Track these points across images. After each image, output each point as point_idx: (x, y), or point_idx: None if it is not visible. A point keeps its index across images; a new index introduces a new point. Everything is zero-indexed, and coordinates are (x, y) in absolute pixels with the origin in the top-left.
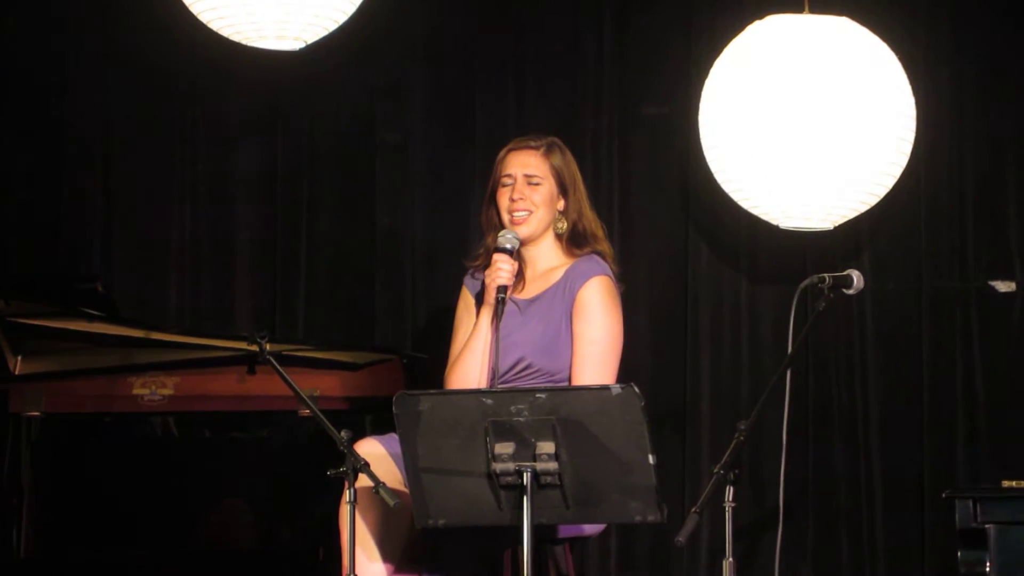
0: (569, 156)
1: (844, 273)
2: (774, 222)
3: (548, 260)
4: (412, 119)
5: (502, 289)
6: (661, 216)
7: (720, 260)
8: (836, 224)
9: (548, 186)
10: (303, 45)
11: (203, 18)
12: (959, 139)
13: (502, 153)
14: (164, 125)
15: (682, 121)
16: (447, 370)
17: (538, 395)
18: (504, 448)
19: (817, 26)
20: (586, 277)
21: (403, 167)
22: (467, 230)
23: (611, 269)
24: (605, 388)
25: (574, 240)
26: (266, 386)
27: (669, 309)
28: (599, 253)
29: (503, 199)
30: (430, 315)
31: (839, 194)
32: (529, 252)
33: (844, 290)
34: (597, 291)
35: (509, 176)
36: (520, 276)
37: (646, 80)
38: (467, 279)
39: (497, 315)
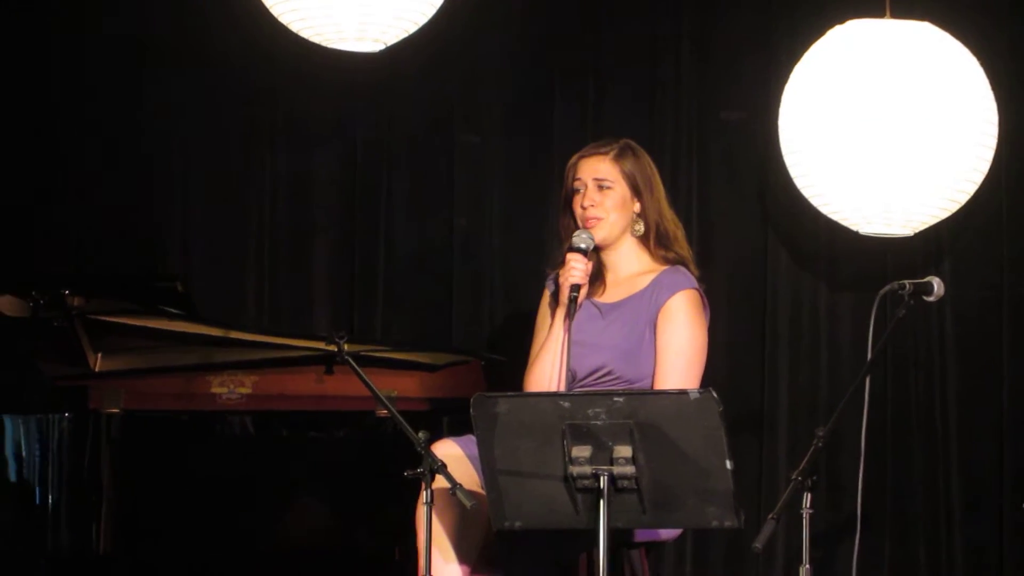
0: (644, 158)
1: (925, 280)
2: (854, 227)
3: (631, 265)
4: (490, 121)
5: (575, 288)
6: (740, 221)
7: (799, 265)
8: (916, 231)
9: (620, 190)
10: (383, 47)
11: (283, 20)
12: None
13: (573, 159)
14: (243, 126)
15: (762, 126)
16: (526, 372)
17: (616, 399)
18: (581, 451)
19: (898, 31)
20: (674, 289)
21: (481, 169)
22: (543, 233)
23: (695, 278)
24: (683, 392)
25: (658, 242)
26: (344, 386)
27: (748, 314)
28: (683, 261)
29: (576, 206)
30: (507, 318)
31: (920, 200)
32: (609, 257)
33: (924, 297)
34: (684, 303)
35: (579, 181)
36: (602, 280)
37: (725, 85)
38: (548, 283)
39: (570, 314)
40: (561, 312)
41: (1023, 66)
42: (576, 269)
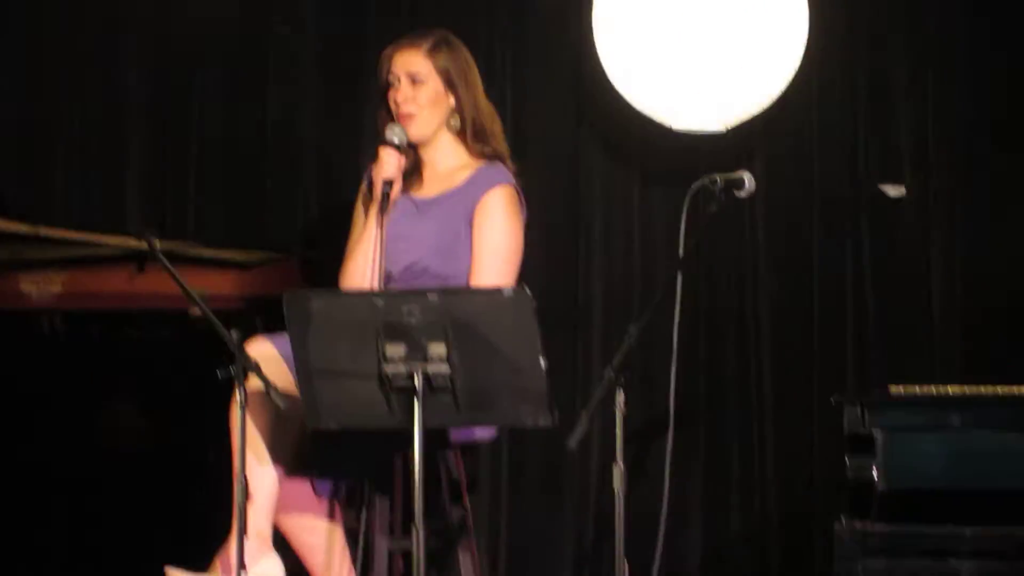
0: (460, 50)
1: (735, 175)
2: (666, 123)
3: (449, 160)
4: (305, 12)
5: (387, 183)
6: (554, 115)
7: (613, 160)
8: (729, 127)
9: (433, 84)
10: None
11: None
12: (851, 42)
13: (387, 50)
14: (47, 21)
15: (577, 20)
16: (340, 271)
17: (430, 296)
18: (395, 350)
19: None
20: (490, 185)
21: (295, 61)
22: (361, 128)
23: (512, 174)
24: (497, 290)
25: (475, 136)
26: (156, 284)
27: (562, 209)
28: (500, 156)
29: (391, 100)
30: (325, 211)
31: (731, 95)
32: (426, 152)
33: (736, 192)
34: (500, 199)
35: (393, 75)
36: (419, 175)
37: None
38: (364, 177)
39: (382, 209)
40: (374, 207)
41: None
42: (388, 164)
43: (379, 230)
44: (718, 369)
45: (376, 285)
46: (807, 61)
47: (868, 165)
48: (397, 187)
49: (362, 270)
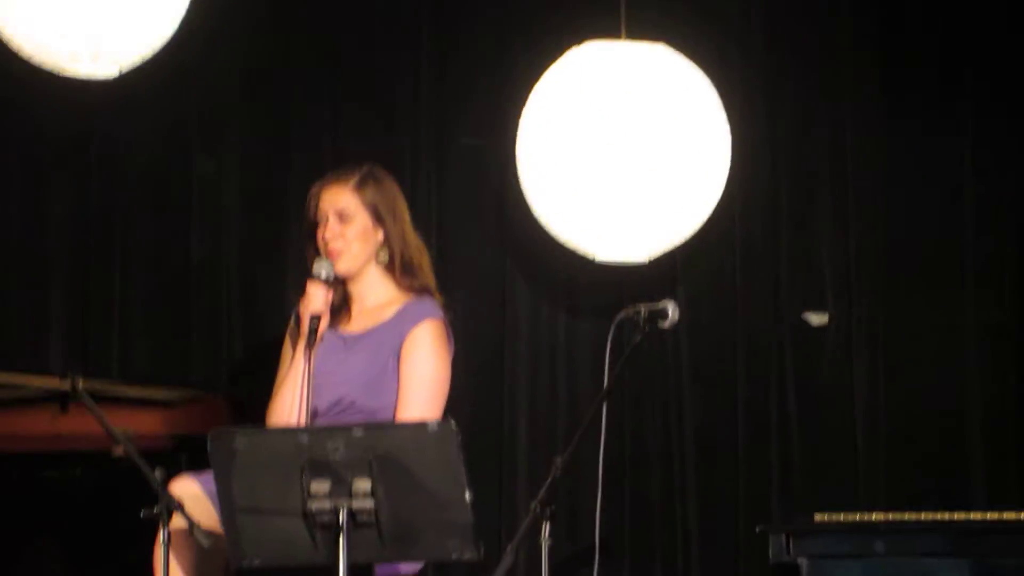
0: (388, 184)
1: (659, 305)
2: (589, 255)
3: (377, 295)
4: (228, 147)
5: (315, 318)
6: (479, 247)
7: (538, 292)
8: (652, 257)
9: (361, 220)
10: (118, 71)
11: (14, 43)
12: (773, 169)
13: (315, 188)
14: None
15: (500, 150)
16: (268, 407)
17: (355, 431)
18: (320, 487)
19: (634, 52)
20: (418, 319)
21: (218, 196)
22: (285, 262)
23: (441, 308)
24: (422, 424)
25: (403, 270)
26: (79, 425)
27: (487, 342)
28: (428, 290)
29: (319, 237)
30: (250, 349)
31: (652, 226)
32: (355, 287)
33: (660, 321)
34: (428, 333)
35: (321, 212)
36: (347, 310)
37: (464, 109)
38: (294, 315)
39: (309, 344)
40: (302, 342)
41: (754, 86)
42: (315, 298)
43: (307, 365)
44: (643, 499)
45: (304, 421)
46: (729, 191)
47: (791, 293)
48: (324, 322)
49: (289, 406)
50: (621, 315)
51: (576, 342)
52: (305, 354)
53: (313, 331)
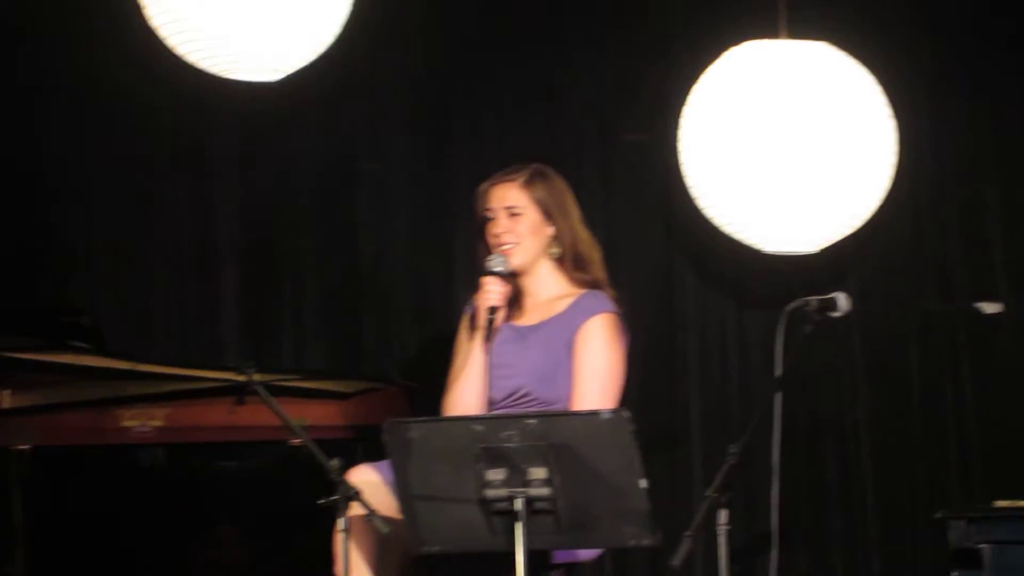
0: (556, 181)
1: (829, 296)
2: (757, 246)
3: (550, 288)
4: (392, 148)
5: (491, 310)
6: (645, 242)
7: (706, 286)
8: (821, 247)
9: (531, 216)
10: (280, 76)
11: (180, 51)
12: (940, 161)
13: (483, 187)
14: (143, 159)
15: (663, 147)
16: (444, 396)
17: (528, 421)
18: (496, 475)
19: (794, 51)
20: (591, 312)
21: (385, 195)
22: (452, 259)
23: (613, 302)
24: (595, 413)
25: (575, 264)
26: (256, 416)
27: (658, 335)
28: (600, 284)
29: (489, 234)
30: (418, 344)
31: (821, 217)
32: (527, 282)
33: (830, 313)
34: (601, 326)
35: (491, 210)
36: (520, 304)
37: (625, 107)
38: (466, 308)
39: (487, 336)
40: (479, 335)
41: (918, 81)
42: (491, 292)
43: (484, 356)
44: (820, 487)
45: (483, 411)
46: (898, 179)
47: (963, 281)
48: (501, 315)
49: (466, 398)
50: (791, 306)
51: (746, 333)
52: (482, 346)
53: (490, 323)
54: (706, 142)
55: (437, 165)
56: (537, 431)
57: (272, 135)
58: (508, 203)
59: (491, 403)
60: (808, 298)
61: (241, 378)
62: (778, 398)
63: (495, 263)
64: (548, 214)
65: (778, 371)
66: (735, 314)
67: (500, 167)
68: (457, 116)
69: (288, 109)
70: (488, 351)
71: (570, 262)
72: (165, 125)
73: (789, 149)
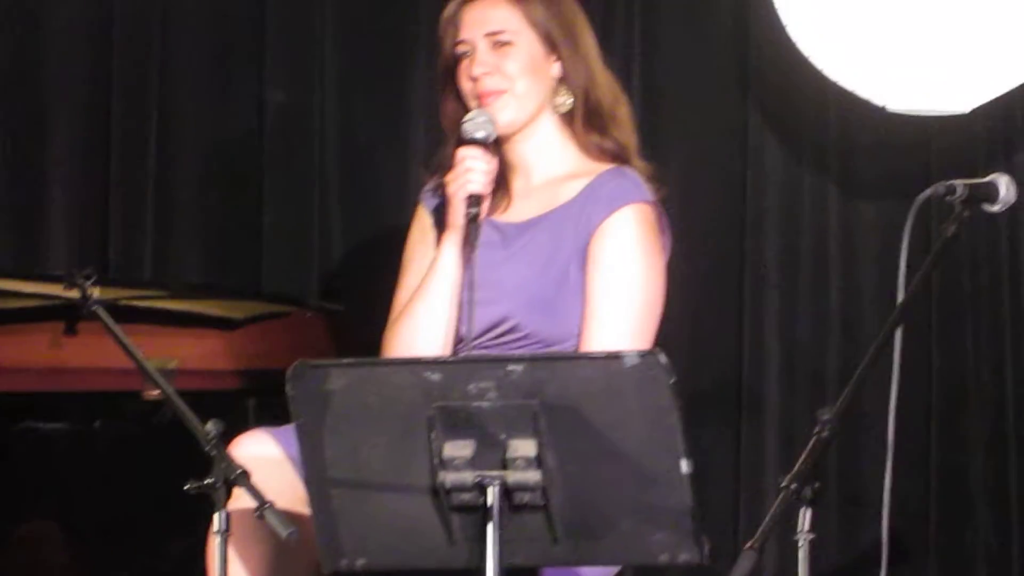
0: None
1: (986, 179)
2: (879, 101)
3: (551, 163)
4: None
5: (474, 200)
6: (706, 91)
7: (796, 160)
8: (975, 106)
9: (527, 43)
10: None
11: None
12: None
13: (450, 7)
14: None
15: None
16: (387, 328)
17: (511, 367)
18: (458, 449)
19: None
20: (616, 201)
21: (306, 13)
22: (408, 115)
23: (647, 182)
24: (614, 357)
25: (588, 121)
26: (94, 353)
27: (718, 236)
28: (626, 154)
29: (463, 78)
30: (352, 246)
31: (979, 60)
32: (517, 151)
33: (986, 206)
34: (631, 224)
35: (464, 43)
36: (504, 187)
37: None
38: (424, 196)
39: (470, 240)
40: (451, 240)
41: None
42: (473, 171)
43: (459, 272)
44: (958, 474)
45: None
46: None
47: None
48: (486, 205)
49: (425, 332)
50: (926, 194)
51: (854, 234)
52: (463, 255)
53: (473, 219)
54: None
55: None
56: (524, 383)
57: None
58: (492, 27)
59: (458, 341)
60: (951, 182)
61: (72, 294)
62: (898, 337)
63: (477, 124)
64: (551, 43)
65: (901, 295)
66: (838, 206)
67: None
68: None
69: None
70: (470, 261)
71: (582, 118)
72: None
73: None
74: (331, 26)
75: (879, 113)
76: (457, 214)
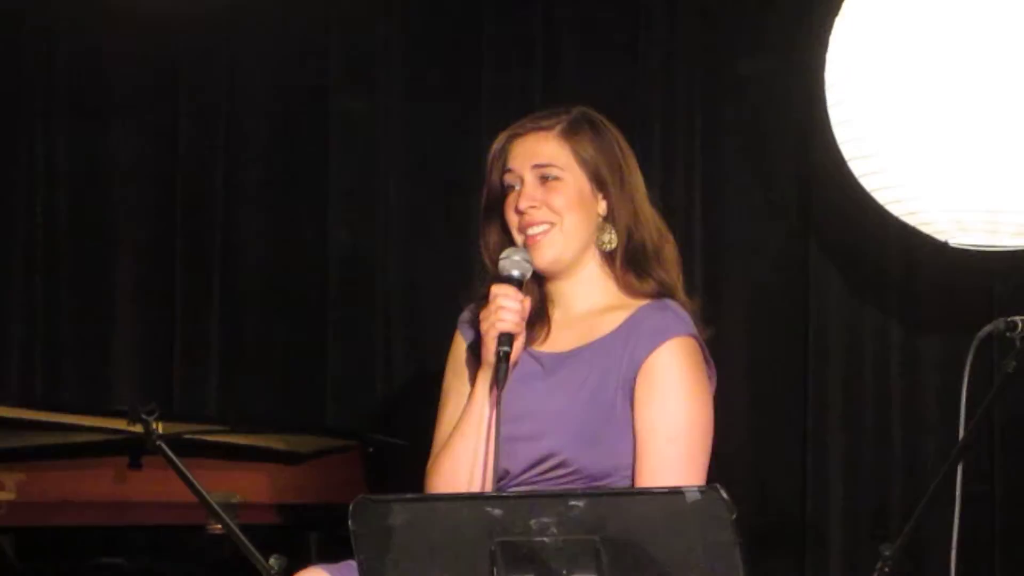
0: (609, 132)
1: None
2: (941, 236)
3: (591, 297)
4: (386, 81)
5: (505, 339)
6: (766, 226)
7: (857, 295)
8: None
9: (574, 181)
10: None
11: None
12: None
13: (500, 139)
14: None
15: (799, 83)
16: (429, 465)
17: (572, 503)
18: None
19: None
20: (657, 337)
21: (370, 157)
22: (466, 247)
23: (694, 322)
24: (676, 492)
25: (631, 260)
26: (157, 488)
27: (779, 370)
28: (670, 291)
29: (509, 210)
30: (412, 380)
31: None
32: (559, 287)
33: None
34: (677, 358)
35: (512, 173)
36: (544, 319)
37: (743, 25)
38: (462, 326)
39: (498, 380)
40: (484, 377)
41: None
42: (506, 310)
43: (495, 410)
44: None
45: (488, 488)
46: None
47: None
48: (519, 344)
49: (465, 469)
50: (987, 329)
51: (915, 369)
52: (491, 395)
53: (504, 359)
54: (865, 77)
55: (452, 105)
56: (586, 519)
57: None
58: (541, 161)
59: (504, 476)
60: (1013, 318)
61: (136, 429)
62: (960, 472)
63: (513, 262)
64: (599, 180)
65: (963, 430)
66: (899, 340)
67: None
68: (489, 49)
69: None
70: (499, 401)
71: (623, 257)
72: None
73: (991, 95)
74: (393, 166)
75: (941, 248)
76: (489, 351)
